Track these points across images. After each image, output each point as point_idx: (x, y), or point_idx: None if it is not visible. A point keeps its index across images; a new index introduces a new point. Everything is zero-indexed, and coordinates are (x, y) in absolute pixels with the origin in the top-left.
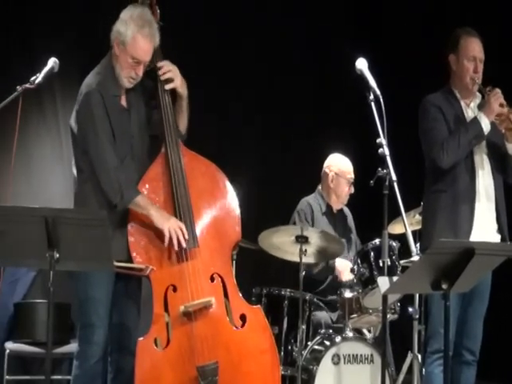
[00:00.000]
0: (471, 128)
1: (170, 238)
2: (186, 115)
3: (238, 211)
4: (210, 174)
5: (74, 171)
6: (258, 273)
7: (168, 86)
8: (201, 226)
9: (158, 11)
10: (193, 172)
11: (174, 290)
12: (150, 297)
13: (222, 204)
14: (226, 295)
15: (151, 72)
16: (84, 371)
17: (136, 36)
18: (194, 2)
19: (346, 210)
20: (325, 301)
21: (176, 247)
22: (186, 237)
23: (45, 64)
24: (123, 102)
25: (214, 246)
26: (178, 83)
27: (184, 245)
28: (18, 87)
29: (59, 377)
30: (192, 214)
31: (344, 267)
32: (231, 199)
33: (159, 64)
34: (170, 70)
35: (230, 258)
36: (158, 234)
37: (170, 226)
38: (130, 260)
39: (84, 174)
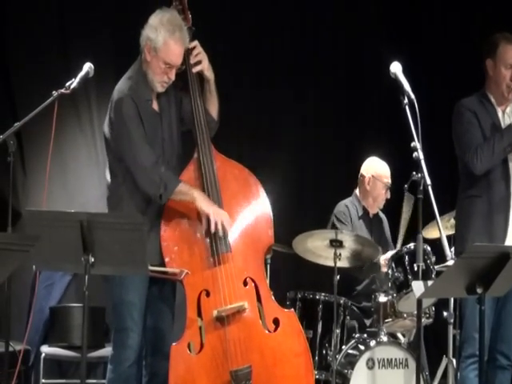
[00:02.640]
0: (506, 135)
1: (210, 225)
2: (215, 99)
3: (270, 215)
4: (243, 178)
5: (108, 176)
6: (292, 277)
7: (195, 69)
8: (234, 230)
9: (190, 16)
10: (225, 176)
11: (207, 294)
12: (184, 301)
13: (255, 208)
14: (258, 299)
15: (182, 74)
16: (118, 375)
17: (168, 41)
18: (224, 8)
19: (382, 215)
20: (359, 306)
21: (221, 232)
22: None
23: (80, 69)
24: (155, 105)
25: (247, 250)
26: (205, 66)
27: (226, 230)
28: (53, 92)
29: (94, 381)
30: None
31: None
32: (264, 203)
33: (191, 44)
34: (200, 52)
35: (263, 262)
36: (191, 238)
37: (215, 210)
38: (162, 264)
39: (118, 179)
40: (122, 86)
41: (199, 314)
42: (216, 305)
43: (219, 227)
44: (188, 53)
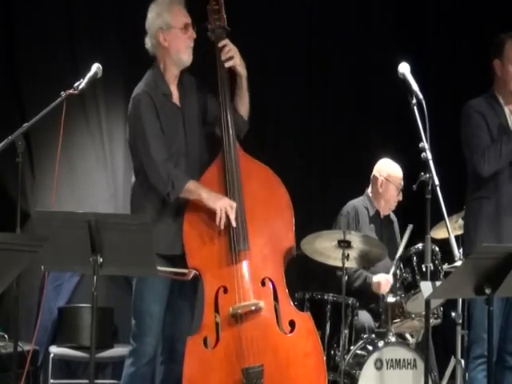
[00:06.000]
0: None
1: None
2: (246, 96)
3: (292, 217)
4: (266, 179)
5: (133, 177)
6: (300, 278)
7: (228, 64)
8: (254, 229)
9: (225, 16)
10: (249, 176)
11: (225, 291)
12: (201, 297)
13: (276, 209)
14: (276, 300)
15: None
16: (136, 369)
17: (171, 8)
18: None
19: (393, 216)
20: (366, 308)
21: (222, 226)
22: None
23: (88, 69)
24: (175, 100)
25: (267, 250)
26: (238, 61)
27: (234, 224)
28: (61, 93)
29: (103, 381)
30: (244, 217)
31: (383, 281)
32: (286, 205)
33: (221, 43)
34: (231, 49)
35: (283, 264)
36: (211, 234)
37: (221, 204)
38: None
39: (140, 178)
40: (140, 84)
41: (216, 310)
42: (231, 302)
43: (223, 219)
44: (219, 50)
